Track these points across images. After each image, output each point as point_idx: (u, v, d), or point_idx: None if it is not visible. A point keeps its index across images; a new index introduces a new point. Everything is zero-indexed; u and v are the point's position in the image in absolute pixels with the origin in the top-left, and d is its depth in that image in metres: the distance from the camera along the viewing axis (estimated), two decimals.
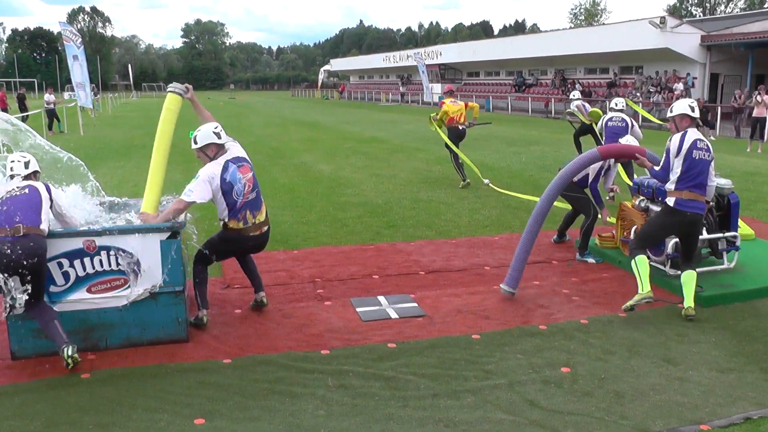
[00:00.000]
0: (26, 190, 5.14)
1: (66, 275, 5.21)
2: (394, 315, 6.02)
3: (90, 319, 5.21)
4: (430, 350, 5.30)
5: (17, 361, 5.17)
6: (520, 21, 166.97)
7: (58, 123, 28.38)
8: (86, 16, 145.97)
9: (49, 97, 28.47)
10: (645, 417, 4.26)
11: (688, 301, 6.01)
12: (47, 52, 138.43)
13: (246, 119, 37.16)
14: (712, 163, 6.20)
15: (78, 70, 27.72)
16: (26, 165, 5.42)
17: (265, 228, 6.01)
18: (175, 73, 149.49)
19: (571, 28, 70.29)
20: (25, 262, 4.84)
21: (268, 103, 58.61)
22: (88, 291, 5.25)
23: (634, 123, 11.84)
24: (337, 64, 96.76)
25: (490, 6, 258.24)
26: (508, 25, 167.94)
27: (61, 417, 4.31)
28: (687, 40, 32.93)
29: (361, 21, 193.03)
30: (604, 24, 60.59)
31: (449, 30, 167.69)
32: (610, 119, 11.88)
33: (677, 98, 30.76)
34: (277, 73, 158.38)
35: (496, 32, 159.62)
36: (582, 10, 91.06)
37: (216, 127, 5.83)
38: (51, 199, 5.19)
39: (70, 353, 4.89)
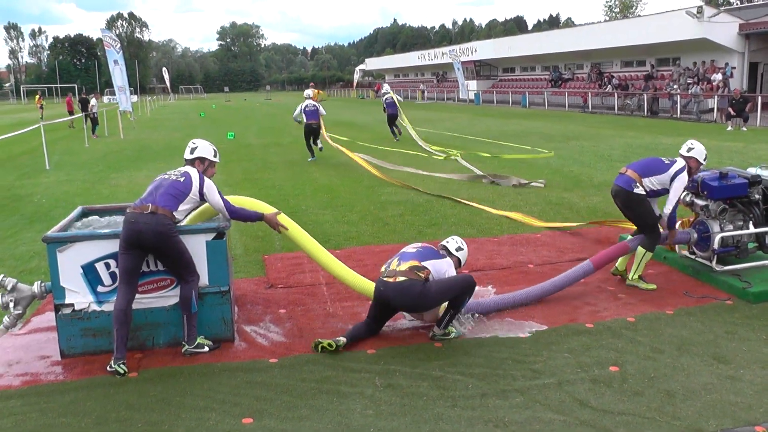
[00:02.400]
0: (181, 178, 5.41)
1: (113, 276, 5.29)
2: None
3: (137, 319, 5.27)
4: (477, 349, 5.27)
5: (66, 359, 5.27)
6: (554, 15, 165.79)
7: (95, 127, 28.88)
8: (124, 22, 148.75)
9: (93, 101, 29.05)
10: (698, 417, 4.17)
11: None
12: (87, 58, 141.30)
13: (282, 120, 37.34)
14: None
15: (119, 75, 28.22)
16: (192, 151, 5.67)
17: None
18: (212, 75, 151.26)
19: (606, 21, 69.31)
20: (146, 238, 5.05)
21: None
22: None
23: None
24: (372, 63, 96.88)
25: (524, 1, 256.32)
26: (542, 19, 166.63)
27: (111, 414, 4.38)
28: (725, 30, 32.24)
29: (394, 20, 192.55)
30: (639, 16, 59.65)
31: (483, 26, 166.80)
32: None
33: (716, 89, 30.34)
34: (312, 73, 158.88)
35: (530, 27, 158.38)
36: (617, 2, 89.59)
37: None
38: (201, 191, 5.40)
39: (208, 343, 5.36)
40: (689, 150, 6.75)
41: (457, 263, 5.88)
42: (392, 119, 22.72)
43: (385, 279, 5.47)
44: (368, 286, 5.81)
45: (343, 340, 5.35)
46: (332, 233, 9.12)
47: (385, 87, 24.45)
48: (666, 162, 6.64)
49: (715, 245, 6.77)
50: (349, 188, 13.10)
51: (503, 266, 7.53)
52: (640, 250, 6.69)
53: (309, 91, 18.83)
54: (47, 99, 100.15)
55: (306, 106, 17.49)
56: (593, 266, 6.55)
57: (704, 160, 6.76)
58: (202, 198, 5.45)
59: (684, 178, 6.51)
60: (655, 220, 6.66)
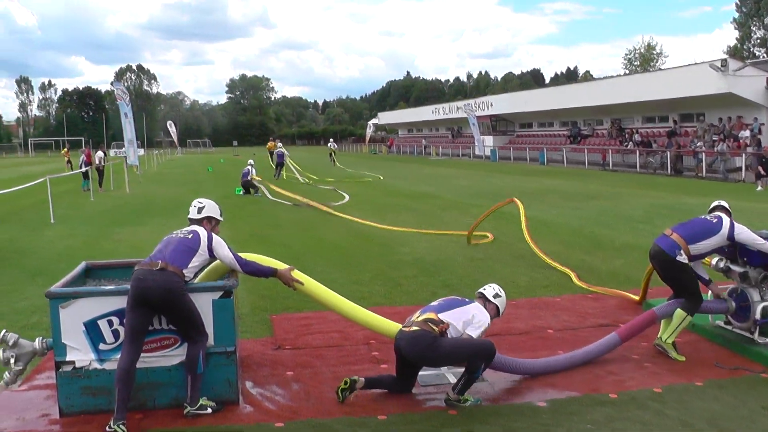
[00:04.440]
0: (190, 235, 5.53)
1: (116, 333, 5.33)
2: (453, 380, 5.92)
3: (138, 378, 5.25)
4: (494, 418, 5.20)
5: (65, 418, 5.27)
6: (572, 68, 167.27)
7: (100, 180, 29.17)
8: (132, 75, 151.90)
9: (99, 154, 29.49)
10: None
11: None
12: (94, 111, 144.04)
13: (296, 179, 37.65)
14: None
15: (129, 128, 28.72)
16: (199, 210, 5.82)
17: None
18: (220, 129, 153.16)
19: (626, 74, 70.00)
20: (155, 295, 5.10)
21: (314, 158, 59.49)
22: None
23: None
24: (385, 118, 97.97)
25: (540, 54, 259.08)
26: (559, 73, 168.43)
27: None
28: (751, 83, 32.09)
29: (408, 73, 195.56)
30: (661, 69, 60.15)
31: (499, 80, 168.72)
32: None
33: (744, 147, 30.29)
34: (323, 127, 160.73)
35: (547, 81, 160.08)
36: (637, 55, 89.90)
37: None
38: (210, 247, 5.50)
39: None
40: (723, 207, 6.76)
41: (495, 312, 5.86)
42: (280, 165, 35.13)
43: (402, 329, 5.54)
44: (395, 328, 5.81)
45: (361, 380, 5.36)
46: (343, 293, 9.05)
47: (279, 144, 40.96)
48: (713, 221, 6.52)
49: (758, 315, 6.53)
50: (361, 247, 13.15)
51: (521, 331, 7.48)
52: (680, 313, 6.51)
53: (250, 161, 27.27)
54: (54, 152, 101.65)
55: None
56: (620, 339, 6.45)
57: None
58: (212, 254, 5.52)
59: (743, 227, 6.42)
60: (697, 286, 6.50)
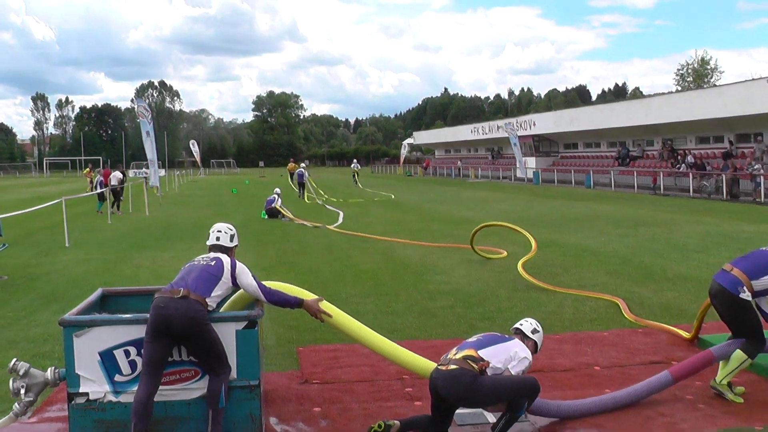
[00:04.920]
0: (213, 262, 5.60)
1: (133, 364, 5.36)
2: (491, 419, 5.86)
3: (156, 412, 5.26)
4: None
5: None
6: (620, 85, 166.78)
7: (116, 203, 29.46)
8: (154, 91, 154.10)
9: (117, 175, 29.89)
10: None
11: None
12: (113, 129, 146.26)
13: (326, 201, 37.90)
14: None
15: (149, 147, 29.09)
16: (231, 238, 5.97)
17: None
18: (246, 148, 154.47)
19: (678, 91, 69.41)
20: (176, 324, 5.13)
21: (344, 180, 59.78)
22: None
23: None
24: (421, 137, 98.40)
25: (587, 69, 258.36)
26: (607, 89, 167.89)
27: None
28: None
29: (445, 89, 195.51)
30: (715, 86, 59.60)
31: (542, 97, 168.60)
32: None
33: None
34: (355, 147, 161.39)
35: (593, 98, 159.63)
36: (690, 71, 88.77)
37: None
38: (233, 274, 5.58)
39: None
40: None
41: (533, 347, 5.81)
42: (302, 186, 38.53)
43: (438, 367, 5.46)
44: (429, 366, 5.76)
45: (396, 423, 5.32)
46: (375, 325, 9.06)
47: (302, 165, 43.87)
48: None
49: None
50: (394, 274, 13.14)
51: (565, 368, 7.40)
52: (740, 354, 6.33)
53: (277, 190, 27.97)
54: (70, 172, 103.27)
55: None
56: (672, 378, 6.34)
57: None
58: (235, 283, 5.56)
59: None
60: (760, 326, 6.33)
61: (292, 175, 46.25)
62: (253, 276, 5.65)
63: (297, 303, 5.76)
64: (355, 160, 65.12)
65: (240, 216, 26.29)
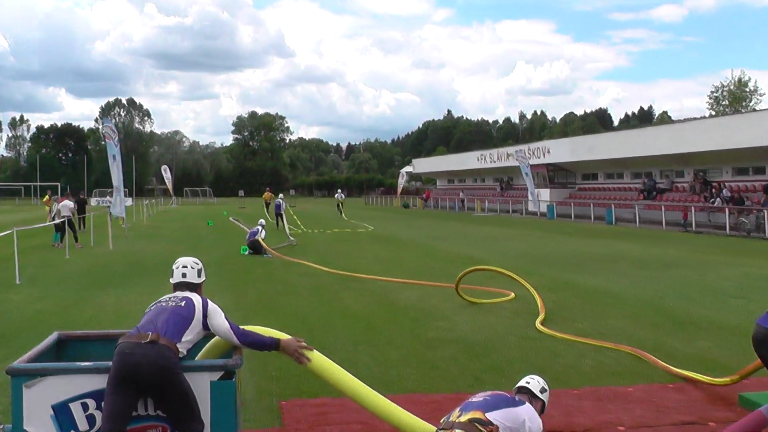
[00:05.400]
0: (182, 303, 5.60)
1: (91, 419, 5.31)
2: None
3: None
4: None
5: None
6: (645, 108, 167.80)
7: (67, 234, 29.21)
8: (122, 110, 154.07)
9: (67, 204, 29.79)
10: None
11: None
12: (74, 152, 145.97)
13: (311, 234, 37.89)
14: None
15: (116, 173, 29.08)
16: (199, 273, 5.98)
17: None
18: (224, 175, 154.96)
19: (712, 116, 69.82)
20: (144, 373, 5.08)
21: (334, 212, 59.84)
22: None
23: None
24: (421, 165, 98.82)
25: (607, 91, 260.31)
26: (630, 113, 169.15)
27: None
28: None
29: (448, 111, 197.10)
30: (755, 110, 59.93)
31: (557, 121, 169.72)
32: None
33: None
34: (347, 175, 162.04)
35: (616, 123, 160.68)
36: (725, 93, 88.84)
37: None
38: (205, 316, 5.58)
39: None
40: None
41: (541, 408, 5.82)
42: (279, 216, 40.19)
43: (440, 431, 5.40)
44: (426, 428, 5.73)
45: None
46: (367, 377, 9.00)
47: (281, 196, 46.08)
48: None
49: None
50: (389, 319, 13.09)
51: (586, 428, 7.33)
52: None
53: (261, 221, 28.72)
54: (23, 200, 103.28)
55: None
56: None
57: None
58: (206, 326, 5.53)
59: None
60: None
61: (267, 205, 49.40)
62: (225, 317, 5.65)
63: (273, 344, 5.73)
64: (339, 190, 69.93)
65: (217, 252, 26.25)
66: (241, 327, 5.75)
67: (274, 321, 12.23)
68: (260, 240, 25.72)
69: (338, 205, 60.21)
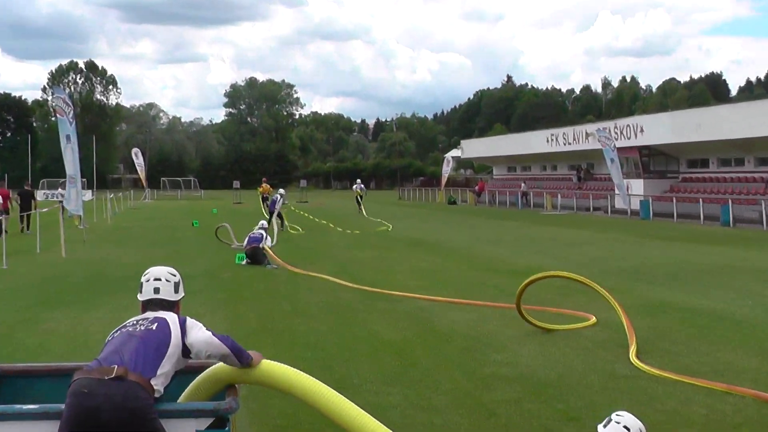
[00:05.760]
0: (154, 326, 5.60)
1: None
2: None
3: None
4: None
5: None
6: None
7: None
8: (78, 76, 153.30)
9: None
10: None
11: None
12: (15, 130, 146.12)
13: (326, 236, 37.91)
14: None
15: (71, 158, 28.99)
16: (176, 288, 6.05)
17: None
18: (214, 162, 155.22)
19: None
20: (107, 419, 5.07)
21: (356, 208, 59.91)
22: None
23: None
24: (472, 149, 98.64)
25: (722, 49, 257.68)
26: (754, 79, 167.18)
27: None
28: None
29: (509, 78, 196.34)
30: None
31: (653, 90, 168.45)
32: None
33: None
34: (375, 161, 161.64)
35: (733, 92, 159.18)
36: None
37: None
38: (184, 341, 5.61)
39: None
40: None
41: None
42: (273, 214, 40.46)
43: None
44: None
45: None
46: (402, 426, 8.98)
47: (280, 191, 45.04)
48: None
49: None
50: (430, 350, 13.05)
51: None
52: None
53: (262, 222, 29.19)
54: None
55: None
56: None
57: None
58: (187, 351, 5.51)
59: None
60: None
61: (264, 199, 50.29)
62: (207, 327, 5.75)
63: (248, 360, 5.87)
64: (358, 180, 70.57)
65: (205, 260, 26.35)
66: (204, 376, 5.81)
67: (281, 351, 12.23)
68: (266, 248, 25.70)
69: (357, 199, 62.04)
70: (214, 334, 5.70)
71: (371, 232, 40.47)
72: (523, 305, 14.40)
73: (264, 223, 28.80)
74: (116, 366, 5.21)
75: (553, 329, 14.52)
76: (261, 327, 15.07)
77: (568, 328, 14.63)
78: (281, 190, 46.15)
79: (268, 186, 54.95)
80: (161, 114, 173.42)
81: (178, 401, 5.73)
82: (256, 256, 25.26)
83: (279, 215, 40.26)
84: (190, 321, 5.72)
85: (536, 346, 13.31)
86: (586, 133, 65.09)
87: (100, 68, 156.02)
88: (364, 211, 57.09)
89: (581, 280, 15.15)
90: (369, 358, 12.49)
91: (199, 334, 5.64)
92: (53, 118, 34.41)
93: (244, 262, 25.40)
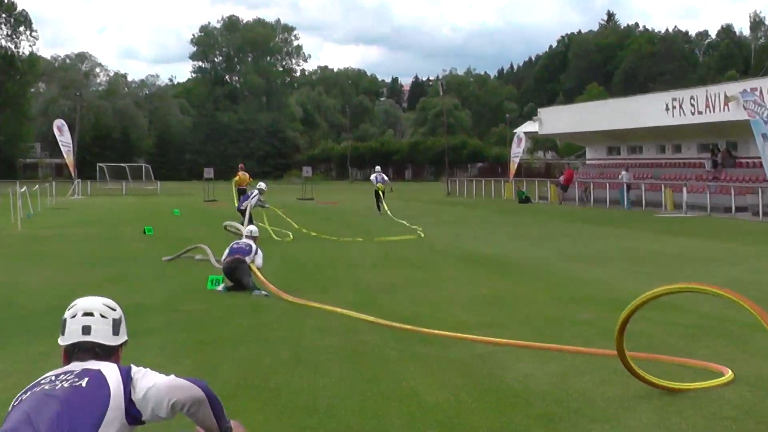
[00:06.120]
0: (83, 382, 5.55)
1: None
2: None
3: None
4: None
5: None
6: None
7: None
8: None
9: None
10: None
11: None
12: None
13: (346, 254, 37.89)
14: None
15: None
16: (115, 328, 6.04)
17: None
18: (175, 140, 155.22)
19: None
20: None
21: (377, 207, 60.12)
22: None
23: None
24: (554, 120, 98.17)
25: None
26: None
27: None
28: None
29: (609, 16, 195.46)
30: None
31: None
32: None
33: None
34: (412, 140, 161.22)
35: None
36: None
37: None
38: (129, 399, 5.58)
39: None
40: None
41: None
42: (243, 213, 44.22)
43: None
44: None
45: None
46: None
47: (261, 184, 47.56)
48: None
49: None
50: (495, 417, 13.00)
51: None
52: None
53: (250, 229, 29.68)
54: None
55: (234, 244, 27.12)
56: None
57: None
58: (134, 411, 5.54)
59: None
60: None
61: (241, 192, 52.09)
62: (162, 374, 5.78)
63: (226, 426, 6.29)
64: (377, 168, 69.01)
65: (164, 285, 26.45)
66: None
67: (273, 418, 12.28)
68: (251, 267, 25.48)
69: (377, 194, 64.32)
70: (178, 377, 5.72)
71: (398, 240, 41.15)
72: (629, 352, 14.30)
73: (254, 228, 28.70)
74: None
75: (675, 388, 14.44)
76: (245, 383, 15.01)
77: (695, 387, 14.52)
78: (261, 184, 47.87)
79: (246, 175, 57.01)
80: (98, 69, 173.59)
81: None
82: (237, 273, 25.13)
83: (244, 213, 42.50)
84: (136, 369, 5.72)
85: (651, 413, 13.19)
86: (726, 96, 64.63)
87: (8, 2, 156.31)
88: (386, 209, 59.36)
89: (723, 295, 14.28)
90: (409, 421, 12.49)
91: (152, 380, 5.63)
92: None
93: (219, 288, 25.24)
